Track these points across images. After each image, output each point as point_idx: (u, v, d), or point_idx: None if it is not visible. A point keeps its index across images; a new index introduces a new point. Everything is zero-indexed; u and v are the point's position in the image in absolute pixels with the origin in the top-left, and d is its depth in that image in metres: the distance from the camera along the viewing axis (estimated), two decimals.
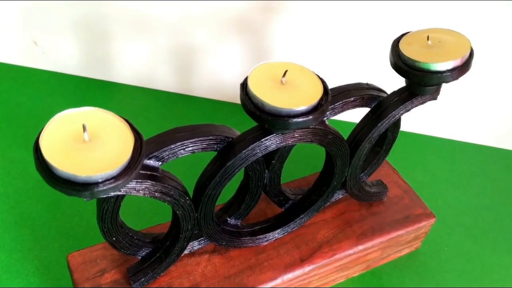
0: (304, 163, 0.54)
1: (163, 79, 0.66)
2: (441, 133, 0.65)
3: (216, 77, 0.65)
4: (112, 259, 0.44)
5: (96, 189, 0.29)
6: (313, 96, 0.34)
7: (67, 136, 0.30)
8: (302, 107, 0.34)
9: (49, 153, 0.29)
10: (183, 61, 0.64)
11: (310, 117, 0.34)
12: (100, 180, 0.29)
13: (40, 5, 0.62)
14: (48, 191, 0.54)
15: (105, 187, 0.29)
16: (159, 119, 0.64)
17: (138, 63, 0.66)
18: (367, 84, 0.43)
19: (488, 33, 0.55)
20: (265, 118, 0.34)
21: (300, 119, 0.34)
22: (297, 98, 0.34)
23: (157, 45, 0.63)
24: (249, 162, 0.38)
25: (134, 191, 0.34)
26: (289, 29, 0.59)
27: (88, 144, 0.30)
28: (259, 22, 0.59)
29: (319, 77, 0.36)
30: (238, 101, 0.66)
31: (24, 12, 0.63)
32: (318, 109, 0.34)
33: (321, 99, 0.35)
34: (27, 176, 0.56)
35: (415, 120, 0.64)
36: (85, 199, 0.30)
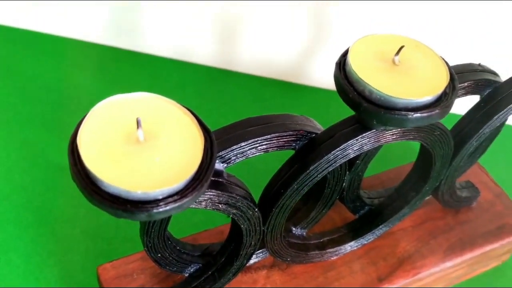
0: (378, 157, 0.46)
1: (203, 51, 0.59)
2: None
3: (264, 50, 0.57)
4: (152, 273, 0.36)
5: (155, 210, 0.21)
6: (437, 83, 0.26)
7: (115, 134, 0.21)
8: (425, 98, 0.25)
9: (91, 159, 0.20)
10: (226, 31, 0.57)
11: (436, 111, 0.25)
12: (160, 197, 0.21)
13: None
14: (71, 181, 0.46)
15: (167, 207, 0.21)
16: (196, 98, 0.56)
17: (173, 32, 0.58)
18: (479, 65, 0.34)
19: None
20: (375, 112, 0.25)
21: (422, 114, 0.25)
22: (416, 85, 0.25)
23: (195, 11, 0.55)
24: (338, 165, 0.29)
25: (194, 204, 0.26)
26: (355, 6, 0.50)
27: (143, 146, 0.21)
28: None
29: (441, 57, 0.27)
30: (290, 79, 0.58)
31: None
32: (443, 100, 0.26)
33: (447, 87, 0.26)
34: (46, 162, 0.48)
35: None
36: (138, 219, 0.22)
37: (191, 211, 0.45)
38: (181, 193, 0.21)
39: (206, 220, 0.42)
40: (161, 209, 0.21)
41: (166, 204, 0.21)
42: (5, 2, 0.58)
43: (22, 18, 0.60)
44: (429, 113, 0.25)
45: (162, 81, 0.58)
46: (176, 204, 0.21)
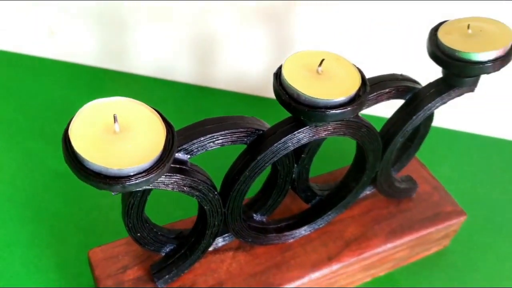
0: (330, 157, 0.53)
1: (182, 70, 0.65)
2: (469, 127, 0.63)
3: (237, 68, 0.63)
4: (135, 255, 0.42)
5: (127, 183, 0.27)
6: (351, 86, 0.33)
7: (97, 127, 0.28)
8: (340, 98, 0.32)
9: (79, 145, 0.27)
10: (202, 52, 0.63)
11: (349, 108, 0.32)
12: (132, 174, 0.28)
13: None
14: (66, 184, 0.53)
15: (137, 181, 0.28)
16: (177, 112, 0.62)
17: (156, 53, 0.64)
18: (401, 75, 0.41)
19: None
20: (301, 110, 0.32)
21: (338, 111, 0.32)
22: (334, 89, 0.32)
23: (176, 35, 0.62)
24: (280, 156, 0.36)
25: (163, 185, 0.33)
26: (315, 17, 0.57)
27: (119, 135, 0.28)
28: (283, 10, 0.57)
29: (356, 67, 0.34)
30: (261, 93, 0.65)
31: (41, 2, 0.61)
32: (356, 100, 0.33)
33: (359, 90, 0.33)
34: (44, 168, 0.54)
35: (445, 114, 0.62)
36: (113, 193, 0.29)
37: (170, 206, 0.51)
38: (147, 171, 0.28)
39: (183, 215, 0.48)
40: (132, 182, 0.28)
41: (136, 178, 0.28)
42: (7, 29, 0.65)
43: (22, 44, 0.66)
44: (343, 110, 0.32)
45: (147, 97, 0.63)
46: (144, 179, 0.28)
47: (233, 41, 0.61)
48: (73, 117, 0.29)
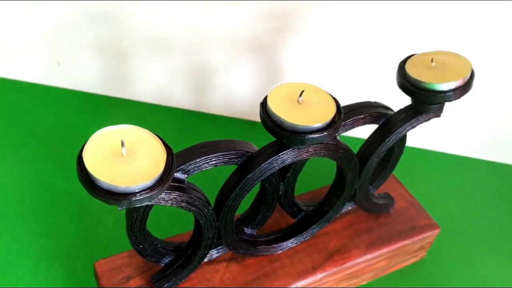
0: (316, 177, 0.57)
1: (179, 96, 0.70)
2: (446, 148, 0.68)
3: (230, 95, 0.68)
4: (137, 266, 0.47)
5: (133, 199, 0.32)
6: (327, 114, 0.38)
7: (107, 150, 0.33)
8: (318, 124, 0.37)
9: (91, 166, 0.32)
10: (198, 80, 0.68)
11: (325, 133, 0.37)
12: (137, 191, 0.32)
13: (62, 26, 0.65)
14: (72, 202, 0.57)
15: (141, 197, 0.32)
16: (175, 135, 0.67)
17: (155, 82, 0.69)
18: (375, 102, 0.46)
19: (489, 49, 0.59)
20: (283, 134, 0.37)
21: (315, 135, 0.37)
22: (312, 116, 0.37)
23: (174, 64, 0.67)
24: (267, 175, 0.41)
25: (163, 201, 0.37)
26: (300, 50, 0.63)
27: (125, 158, 0.33)
28: (272, 43, 0.62)
29: (332, 96, 0.39)
30: (251, 118, 0.70)
31: (47, 33, 0.67)
32: (332, 126, 0.38)
33: (335, 117, 0.38)
34: (52, 188, 0.59)
35: (421, 136, 0.67)
36: (120, 208, 0.33)
37: (169, 223, 0.56)
38: (150, 188, 0.33)
39: (180, 231, 0.52)
40: (137, 198, 0.32)
41: (141, 195, 0.32)
42: (18, 60, 0.70)
43: (31, 74, 0.71)
44: (320, 134, 0.37)
45: (147, 122, 0.68)
46: (147, 195, 0.32)
47: (225, 70, 0.66)
48: (86, 142, 0.33)
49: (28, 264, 0.52)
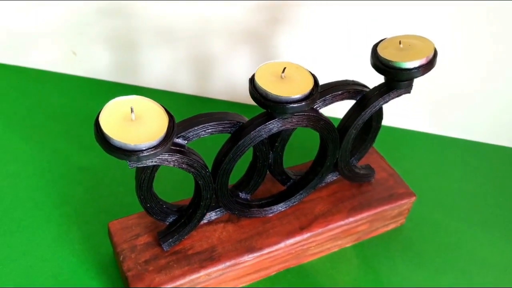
0: (304, 153, 0.64)
1: (183, 83, 0.76)
2: (426, 128, 0.75)
3: (229, 81, 0.75)
4: (145, 226, 0.53)
5: (141, 155, 0.39)
6: (306, 87, 0.44)
7: (119, 115, 0.39)
8: (297, 95, 0.43)
9: (106, 128, 0.38)
10: (200, 68, 0.74)
11: (303, 103, 0.43)
12: (144, 148, 0.39)
13: (77, 19, 0.72)
14: (87, 176, 0.64)
15: (147, 153, 0.39)
16: (179, 118, 0.73)
17: (162, 69, 0.76)
18: (352, 80, 0.52)
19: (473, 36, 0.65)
20: (268, 104, 0.43)
21: (296, 105, 0.43)
22: (293, 89, 0.44)
23: (178, 54, 0.73)
24: (256, 142, 0.47)
25: (167, 162, 0.43)
26: (291, 39, 0.69)
27: (134, 122, 0.39)
28: (266, 33, 0.69)
29: (311, 73, 0.45)
30: (248, 101, 0.76)
31: (64, 25, 0.73)
32: (309, 97, 0.44)
33: (312, 89, 0.44)
34: (69, 164, 0.65)
35: (403, 116, 0.73)
36: (130, 165, 0.40)
37: (173, 192, 0.62)
38: (155, 147, 0.39)
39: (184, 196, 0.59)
40: (144, 154, 0.39)
41: (147, 151, 0.39)
42: (38, 51, 0.77)
43: (50, 63, 0.78)
44: (299, 104, 0.43)
45: None
46: (152, 152, 0.39)
47: (225, 58, 0.72)
48: (101, 109, 0.40)
49: (50, 227, 0.58)
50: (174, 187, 0.62)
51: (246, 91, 0.76)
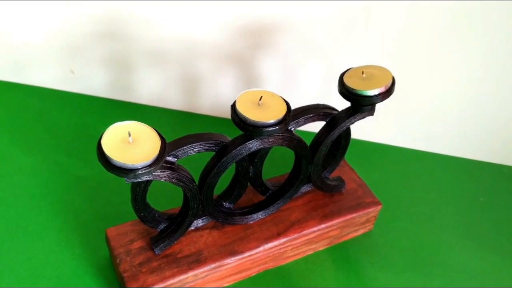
0: (281, 166, 0.70)
1: (173, 100, 0.83)
2: (394, 141, 0.82)
3: (216, 98, 0.81)
4: (139, 232, 0.59)
5: (137, 172, 0.45)
6: (280, 112, 0.51)
7: (118, 139, 0.46)
8: (272, 121, 0.50)
9: (107, 150, 0.45)
10: (189, 86, 0.81)
11: (277, 127, 0.50)
12: (140, 167, 0.45)
13: (75, 42, 0.78)
14: (86, 186, 0.70)
15: (143, 172, 0.45)
16: (170, 132, 0.79)
17: (154, 87, 0.82)
18: (323, 104, 0.59)
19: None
20: (247, 128, 0.50)
21: (271, 128, 0.50)
22: (268, 114, 0.50)
23: (169, 74, 0.80)
24: (238, 159, 0.54)
25: (159, 177, 0.50)
26: (270, 62, 0.76)
27: (131, 145, 0.46)
28: (247, 56, 0.76)
29: (284, 99, 0.52)
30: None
31: (63, 47, 0.80)
32: (283, 121, 0.51)
33: (285, 114, 0.51)
34: (68, 175, 0.71)
35: (372, 130, 0.81)
36: (127, 180, 0.47)
37: (165, 202, 0.69)
38: (149, 166, 0.46)
39: (173, 206, 0.65)
40: (140, 172, 0.45)
41: (143, 170, 0.45)
42: (38, 69, 0.83)
43: (49, 81, 0.84)
44: (274, 128, 0.50)
45: (146, 121, 0.81)
46: (147, 170, 0.45)
47: (212, 78, 0.79)
48: (103, 133, 0.47)
49: (52, 233, 0.64)
50: (165, 196, 0.68)
51: (229, 108, 0.83)
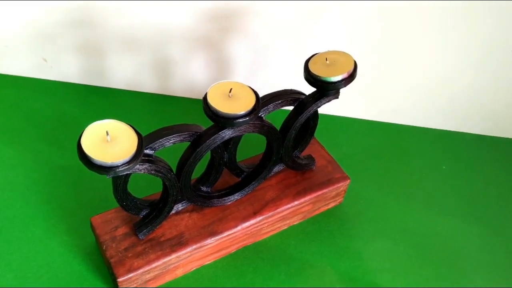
0: (254, 147, 0.74)
1: (147, 83, 0.85)
2: (358, 114, 0.86)
3: (188, 80, 0.84)
4: (122, 218, 0.63)
5: (117, 169, 0.48)
6: (249, 104, 0.54)
7: (97, 138, 0.48)
8: (242, 112, 0.53)
9: (87, 149, 0.48)
10: (161, 69, 0.83)
11: (247, 118, 0.53)
12: (119, 164, 0.48)
13: (47, 30, 0.79)
14: (68, 174, 0.72)
15: (122, 168, 0.48)
16: (145, 114, 0.82)
17: (127, 72, 0.84)
18: (291, 90, 0.62)
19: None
20: (219, 120, 0.53)
21: (241, 120, 0.53)
22: (238, 106, 0.53)
23: (141, 58, 0.81)
24: (212, 148, 0.57)
25: (138, 170, 0.53)
26: (241, 44, 0.78)
27: (110, 143, 0.49)
28: (218, 40, 0.78)
29: (253, 90, 0.55)
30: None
31: (35, 35, 0.80)
32: (252, 112, 0.54)
33: (255, 105, 0.54)
34: (50, 163, 0.74)
35: (342, 105, 0.84)
36: (108, 176, 0.49)
37: (145, 187, 0.72)
38: (128, 162, 0.49)
39: (153, 191, 0.68)
40: (120, 169, 0.48)
41: (122, 166, 0.48)
42: (13, 58, 0.84)
43: (24, 69, 0.85)
44: (244, 119, 0.53)
45: (122, 105, 0.83)
46: (126, 167, 0.48)
47: (183, 61, 0.81)
48: (81, 133, 0.49)
49: (39, 222, 0.67)
50: (145, 182, 0.71)
51: (203, 88, 0.86)
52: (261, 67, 0.80)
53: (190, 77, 0.83)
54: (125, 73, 0.84)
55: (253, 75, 0.81)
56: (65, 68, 0.84)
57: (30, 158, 0.74)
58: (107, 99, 0.84)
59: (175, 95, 0.86)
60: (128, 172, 0.51)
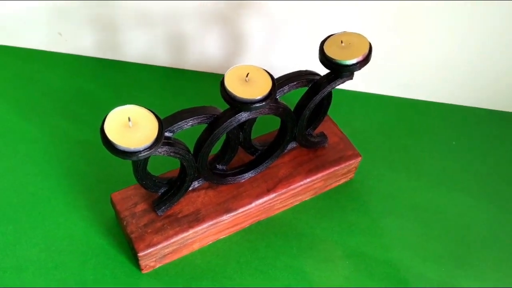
0: (269, 124, 0.75)
1: (161, 57, 0.85)
2: (370, 89, 0.86)
3: (201, 54, 0.84)
4: (141, 195, 0.65)
5: (140, 155, 0.50)
6: (265, 88, 0.55)
7: (119, 124, 0.50)
8: (259, 97, 0.54)
9: (111, 135, 0.49)
10: (175, 43, 0.83)
11: (264, 103, 0.54)
12: (141, 149, 0.50)
13: (63, 2, 0.79)
14: (86, 149, 0.74)
15: (145, 153, 0.50)
16: (159, 88, 0.83)
17: (141, 46, 0.84)
18: (305, 70, 0.63)
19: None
20: (236, 105, 0.54)
21: (258, 104, 0.54)
22: (255, 91, 0.54)
23: (155, 32, 0.82)
24: (228, 130, 0.59)
25: (158, 153, 0.55)
26: (255, 21, 0.78)
27: (131, 128, 0.50)
28: (231, 15, 0.78)
29: (269, 74, 0.56)
30: (218, 71, 0.86)
31: (52, 9, 0.80)
32: (269, 97, 0.55)
33: (271, 90, 0.55)
34: (69, 138, 0.75)
35: (356, 79, 0.85)
36: (130, 160, 0.51)
37: (162, 164, 0.73)
38: (150, 147, 0.50)
39: (171, 168, 0.70)
40: (142, 154, 0.50)
41: (144, 151, 0.50)
42: (32, 32, 0.84)
43: (41, 43, 0.86)
44: (260, 104, 0.54)
45: (136, 78, 0.83)
46: (148, 152, 0.50)
47: (197, 36, 0.81)
48: (104, 118, 0.50)
49: (59, 197, 0.70)
50: (162, 158, 0.73)
51: (216, 63, 0.86)
52: (275, 44, 0.80)
53: (204, 51, 0.84)
54: (139, 46, 0.84)
55: (267, 51, 0.82)
56: (80, 42, 0.84)
57: (48, 133, 0.76)
58: (122, 73, 0.85)
59: (189, 68, 0.86)
60: (149, 155, 0.53)
